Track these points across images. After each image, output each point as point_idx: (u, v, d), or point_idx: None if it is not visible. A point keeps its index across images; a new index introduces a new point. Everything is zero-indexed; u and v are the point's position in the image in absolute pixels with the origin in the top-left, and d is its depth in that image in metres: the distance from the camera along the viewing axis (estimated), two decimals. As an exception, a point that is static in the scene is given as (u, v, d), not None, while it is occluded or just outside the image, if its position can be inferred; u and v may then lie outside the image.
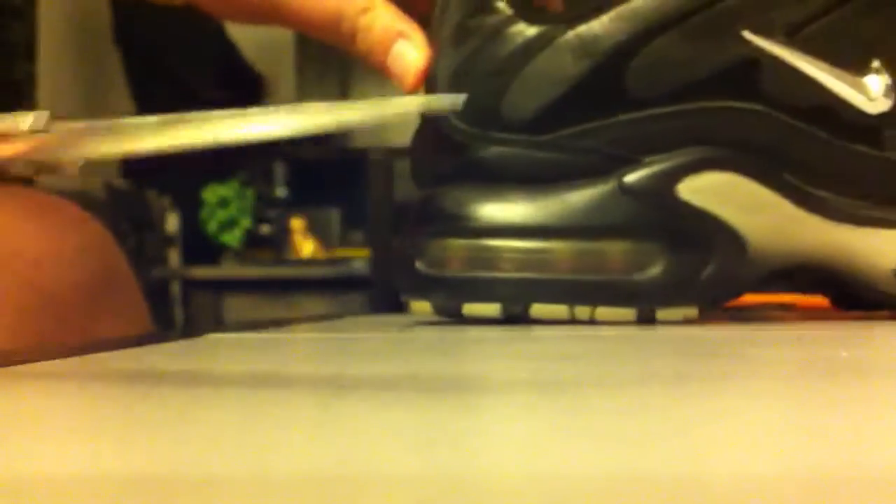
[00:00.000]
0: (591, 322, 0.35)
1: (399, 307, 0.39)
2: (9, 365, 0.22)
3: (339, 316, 0.52)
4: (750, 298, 0.54)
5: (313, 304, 2.04)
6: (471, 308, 0.36)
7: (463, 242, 0.36)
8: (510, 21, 0.35)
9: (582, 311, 0.35)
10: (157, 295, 1.97)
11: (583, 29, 0.35)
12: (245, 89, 2.28)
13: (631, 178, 0.35)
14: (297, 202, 2.26)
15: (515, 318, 0.35)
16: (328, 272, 2.08)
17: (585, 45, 0.35)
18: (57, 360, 0.24)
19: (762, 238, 0.36)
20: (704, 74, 0.35)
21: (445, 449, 0.12)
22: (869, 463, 0.11)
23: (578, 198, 0.36)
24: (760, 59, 0.35)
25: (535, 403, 0.16)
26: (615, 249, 0.35)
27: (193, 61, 2.18)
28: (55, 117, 0.22)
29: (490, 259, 0.35)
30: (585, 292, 0.35)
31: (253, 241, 2.22)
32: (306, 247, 2.20)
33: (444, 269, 0.36)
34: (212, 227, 2.18)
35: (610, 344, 0.29)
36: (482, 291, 0.36)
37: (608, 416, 0.15)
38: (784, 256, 0.37)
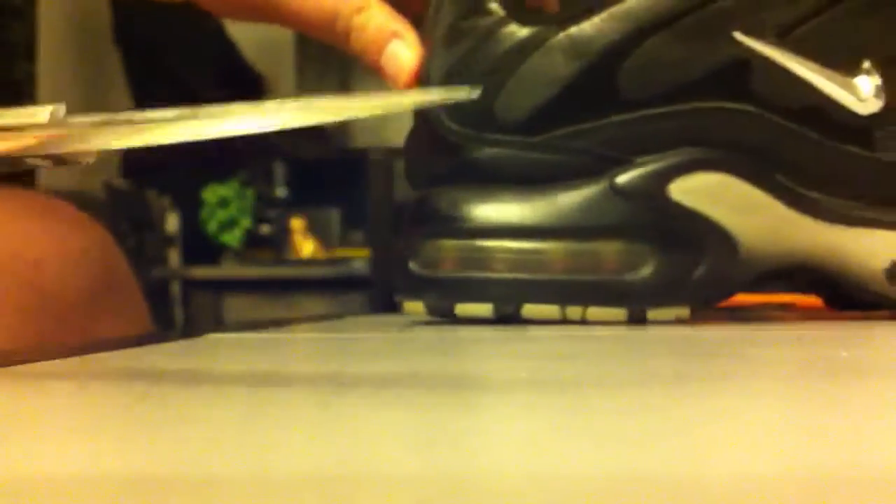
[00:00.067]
0: (583, 322, 0.36)
1: (399, 307, 0.39)
2: (9, 365, 0.22)
3: (339, 316, 0.52)
4: (750, 298, 0.54)
5: (313, 304, 2.04)
6: (463, 308, 0.36)
7: (456, 243, 0.36)
8: (503, 22, 0.35)
9: (573, 312, 0.35)
10: (157, 295, 1.97)
11: (575, 30, 0.35)
12: (245, 89, 2.28)
13: (623, 178, 0.35)
14: (297, 202, 2.26)
15: (507, 318, 0.36)
16: (328, 272, 2.08)
17: (578, 46, 0.35)
18: (57, 360, 0.24)
19: (754, 239, 0.36)
20: (696, 75, 0.35)
21: (445, 448, 0.12)
22: (869, 463, 0.11)
23: (570, 198, 0.36)
24: (752, 61, 0.35)
25: (535, 403, 0.16)
26: (607, 250, 0.36)
27: (193, 61, 2.18)
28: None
29: (482, 259, 0.36)
30: (577, 292, 0.35)
31: (253, 241, 2.22)
32: (306, 247, 2.20)
33: (437, 269, 0.36)
34: (212, 227, 2.18)
35: (609, 344, 0.30)
36: (474, 292, 0.36)
37: (608, 415, 0.15)
38: (776, 257, 0.37)
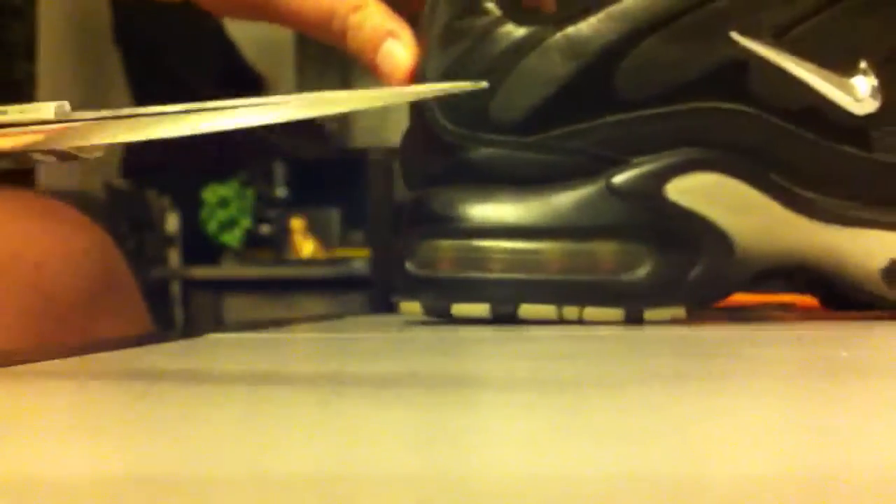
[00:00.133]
0: (580, 322, 0.36)
1: (396, 307, 0.39)
2: (9, 365, 0.22)
3: (339, 316, 0.52)
4: (750, 298, 0.54)
5: (313, 304, 2.04)
6: (460, 308, 0.36)
7: (452, 243, 0.36)
8: (499, 22, 0.35)
9: (570, 312, 0.35)
10: (157, 295, 1.97)
11: (572, 30, 0.35)
12: (245, 89, 2.28)
13: (619, 178, 0.35)
14: (297, 202, 2.26)
15: (504, 318, 0.36)
16: (328, 272, 2.07)
17: (574, 46, 0.35)
18: (57, 360, 0.24)
19: (750, 239, 0.36)
20: (693, 75, 0.35)
21: (445, 448, 0.12)
22: (869, 463, 0.11)
23: (567, 199, 0.36)
24: (748, 61, 0.35)
25: (535, 402, 0.16)
26: (603, 250, 0.36)
27: (193, 61, 2.18)
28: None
29: (479, 260, 0.36)
30: (574, 293, 0.36)
31: (253, 241, 2.22)
32: (306, 247, 2.20)
33: (434, 269, 0.36)
34: (212, 227, 2.18)
35: (609, 343, 0.30)
36: (471, 292, 0.36)
37: (608, 415, 0.15)
38: (772, 257, 0.37)
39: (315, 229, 2.22)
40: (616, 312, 0.36)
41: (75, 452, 0.12)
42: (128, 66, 2.24)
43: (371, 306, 1.83)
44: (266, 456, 0.12)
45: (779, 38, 0.35)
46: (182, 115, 0.20)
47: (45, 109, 0.21)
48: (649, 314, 0.36)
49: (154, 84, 2.18)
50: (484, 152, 0.36)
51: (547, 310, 0.36)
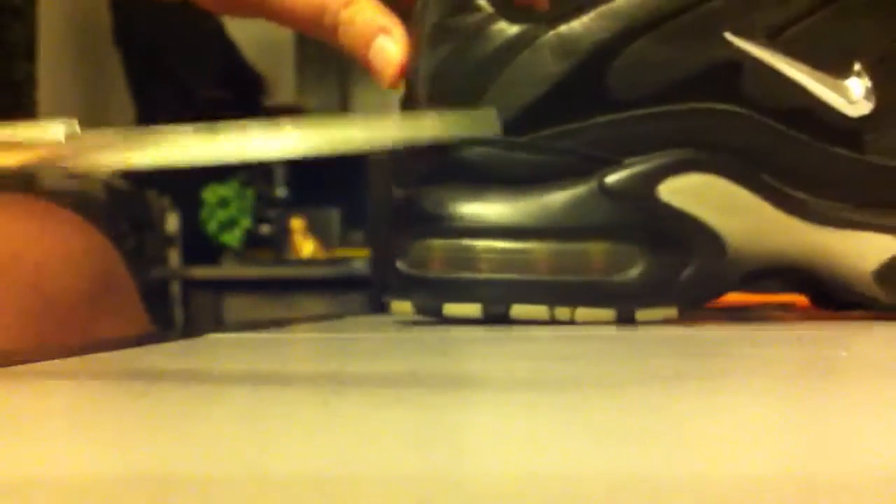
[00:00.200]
0: (571, 323, 0.36)
1: (387, 307, 0.39)
2: (9, 365, 0.22)
3: (339, 316, 0.52)
4: (750, 298, 0.54)
5: (313, 304, 2.04)
6: (451, 308, 0.36)
7: (444, 243, 0.36)
8: (491, 19, 0.35)
9: (562, 312, 0.35)
10: (157, 295, 1.97)
11: (565, 28, 0.35)
12: (245, 89, 2.28)
13: (611, 179, 0.35)
14: (297, 202, 2.26)
15: (496, 318, 0.36)
16: (328, 272, 2.08)
17: (567, 45, 0.35)
18: (57, 360, 0.24)
19: (741, 239, 0.37)
20: (686, 76, 0.35)
21: (445, 448, 0.12)
22: (868, 463, 0.11)
23: (559, 199, 0.36)
24: (742, 62, 0.35)
25: (535, 402, 0.16)
26: (595, 250, 0.36)
27: (193, 61, 2.18)
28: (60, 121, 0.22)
29: (471, 260, 0.36)
30: (565, 293, 0.35)
31: (253, 241, 2.22)
32: (306, 247, 2.20)
33: (425, 269, 0.36)
34: (212, 227, 2.18)
35: (608, 344, 0.30)
36: (463, 292, 0.36)
37: (608, 415, 0.15)
38: (763, 258, 0.37)
39: (315, 229, 2.22)
40: (608, 313, 0.36)
41: (75, 452, 0.12)
42: (128, 66, 2.24)
43: (371, 306, 1.83)
44: (266, 456, 0.12)
45: (773, 39, 0.35)
46: (194, 140, 0.20)
47: (55, 129, 0.20)
48: (641, 315, 0.36)
49: (154, 84, 2.19)
50: (475, 151, 0.36)
51: (538, 310, 0.36)
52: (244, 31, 2.18)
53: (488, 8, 0.35)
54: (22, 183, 0.47)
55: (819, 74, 0.36)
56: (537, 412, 0.15)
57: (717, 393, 0.18)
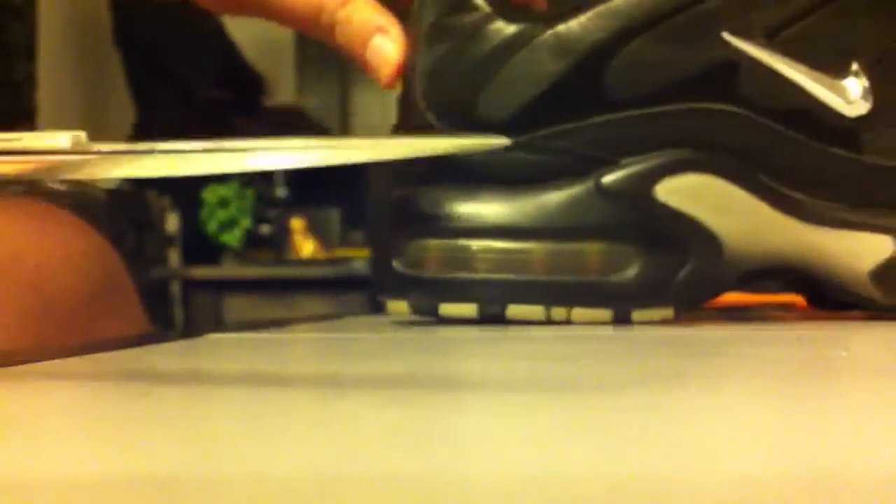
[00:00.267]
0: (568, 323, 0.36)
1: (383, 307, 0.39)
2: (9, 365, 0.22)
3: (339, 316, 0.52)
4: (750, 298, 0.54)
5: (313, 304, 2.04)
6: (447, 308, 0.36)
7: (440, 243, 0.36)
8: (489, 19, 0.35)
9: (558, 312, 0.35)
10: (157, 295, 1.97)
11: (562, 28, 0.35)
12: (245, 89, 2.28)
13: (608, 179, 0.35)
14: (297, 202, 2.26)
15: (492, 318, 0.36)
16: (328, 272, 2.07)
17: (564, 44, 0.35)
18: (57, 360, 0.24)
19: (738, 240, 0.36)
20: (683, 76, 0.35)
21: (444, 448, 0.12)
22: (868, 463, 0.11)
23: (555, 199, 0.36)
24: (739, 61, 0.35)
25: (535, 403, 0.16)
26: (592, 250, 0.36)
27: (193, 61, 2.18)
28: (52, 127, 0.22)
29: (467, 260, 0.36)
30: (562, 293, 0.35)
31: (253, 241, 2.22)
32: (306, 247, 2.20)
33: (421, 269, 0.36)
34: (212, 227, 2.18)
35: (608, 344, 0.30)
36: (459, 292, 0.36)
37: (608, 415, 0.15)
38: (760, 258, 0.37)
39: (315, 229, 2.22)
40: (604, 313, 0.36)
41: (75, 452, 0.12)
42: (128, 66, 2.24)
43: (371, 306, 1.83)
44: (266, 456, 0.12)
45: (770, 39, 0.35)
46: (200, 153, 0.20)
47: (62, 139, 0.20)
48: (637, 315, 0.36)
49: (154, 84, 2.18)
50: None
51: (535, 310, 0.36)
52: (244, 31, 2.18)
53: (486, 7, 0.35)
54: (24, 183, 0.47)
55: (817, 74, 0.36)
56: (537, 412, 0.15)
57: (717, 393, 0.18)
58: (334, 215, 2.27)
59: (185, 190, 2.14)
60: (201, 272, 2.13)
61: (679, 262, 0.36)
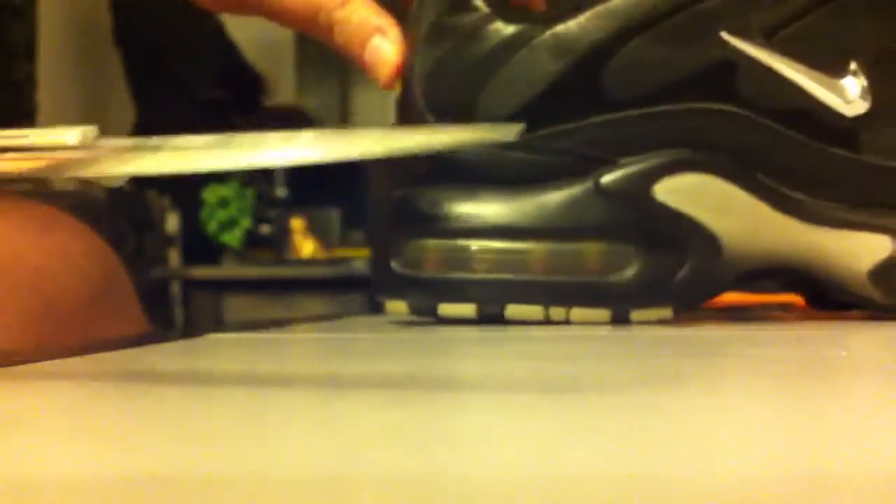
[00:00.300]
0: (567, 323, 0.36)
1: (382, 307, 0.39)
2: (9, 365, 0.22)
3: (339, 316, 0.52)
4: (750, 298, 0.54)
5: (313, 304, 2.04)
6: (446, 308, 0.36)
7: (438, 243, 0.36)
8: (488, 19, 0.35)
9: (557, 312, 0.35)
10: (157, 295, 1.97)
11: (561, 28, 0.35)
12: (245, 89, 2.28)
13: (607, 179, 0.35)
14: (297, 202, 2.26)
15: (491, 318, 0.36)
16: (328, 272, 2.07)
17: (563, 44, 0.35)
18: (57, 360, 0.24)
19: (737, 239, 0.37)
20: (682, 75, 0.35)
21: (445, 448, 0.12)
22: (868, 462, 0.11)
23: (554, 199, 0.36)
24: (738, 61, 0.35)
25: (535, 403, 0.16)
26: (590, 250, 0.36)
27: (193, 61, 2.18)
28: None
29: (465, 260, 0.36)
30: (560, 293, 0.35)
31: (253, 241, 2.22)
32: (306, 247, 2.20)
33: (420, 269, 0.36)
34: (212, 227, 2.18)
35: (608, 344, 0.30)
36: (458, 292, 0.36)
37: (608, 415, 0.15)
38: (759, 258, 0.37)
39: (315, 229, 2.22)
40: (603, 313, 0.36)
41: (75, 452, 0.12)
42: (128, 66, 2.24)
43: (371, 306, 1.83)
44: (266, 456, 0.12)
45: (769, 39, 0.35)
46: (209, 149, 0.20)
47: (70, 135, 0.20)
48: (636, 315, 0.36)
49: (154, 84, 2.19)
50: (471, 151, 0.36)
51: (534, 310, 0.36)
52: (244, 31, 2.18)
53: (485, 8, 0.35)
54: (30, 182, 0.47)
55: (815, 74, 0.36)
56: (537, 412, 0.15)
57: (717, 393, 0.18)
58: (334, 215, 2.27)
59: (185, 190, 2.14)
60: (201, 272, 2.13)
61: (678, 262, 0.36)
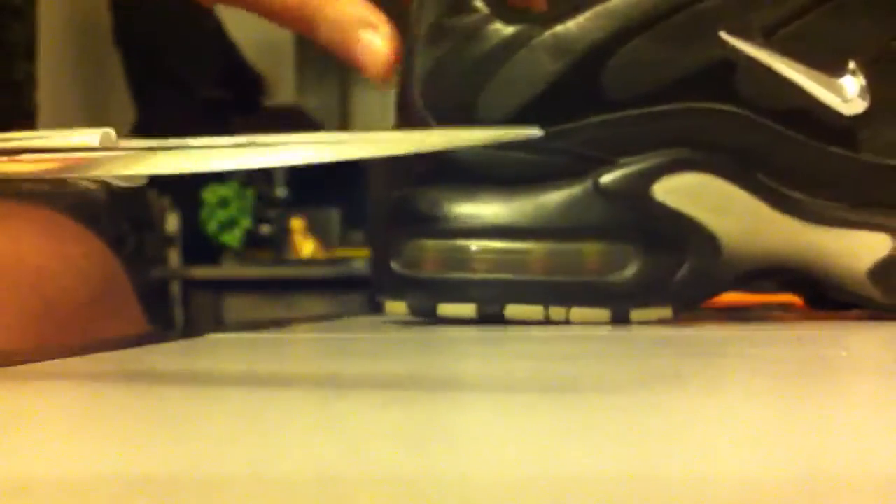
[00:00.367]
0: (566, 323, 0.36)
1: (381, 307, 0.39)
2: (9, 365, 0.22)
3: (339, 316, 0.52)
4: (750, 298, 0.54)
5: (313, 304, 2.04)
6: (445, 309, 0.36)
7: (438, 243, 0.36)
8: (487, 20, 0.35)
9: (557, 312, 0.35)
10: (157, 295, 1.97)
11: (560, 28, 0.35)
12: (245, 89, 2.28)
13: (607, 178, 0.35)
14: (297, 202, 2.26)
15: (490, 318, 0.36)
16: (328, 272, 2.08)
17: (562, 45, 0.35)
18: (57, 360, 0.24)
19: (737, 239, 0.37)
20: (681, 75, 0.35)
21: (444, 448, 0.12)
22: (869, 463, 0.11)
23: (554, 199, 0.36)
24: (737, 61, 0.35)
25: (535, 403, 0.16)
26: (590, 250, 0.36)
27: (193, 61, 2.18)
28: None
29: (465, 260, 0.36)
30: (560, 293, 0.36)
31: (253, 241, 2.22)
32: (306, 247, 2.20)
33: (420, 269, 0.36)
34: (212, 227, 2.18)
35: (608, 344, 0.30)
36: (457, 292, 0.36)
37: (608, 415, 0.15)
38: (758, 257, 0.37)
39: (315, 229, 2.22)
40: (602, 313, 0.36)
41: (75, 452, 0.12)
42: (128, 66, 2.24)
43: (371, 306, 1.83)
44: (266, 456, 0.12)
45: (768, 38, 0.35)
46: (230, 149, 0.20)
47: (90, 136, 0.20)
48: (636, 315, 0.36)
49: (154, 84, 2.19)
50: (471, 151, 0.36)
51: (533, 310, 0.36)
52: (244, 31, 2.18)
53: (484, 8, 0.35)
54: (48, 182, 0.47)
55: (814, 73, 0.36)
56: (537, 412, 0.15)
57: (717, 393, 0.18)
58: (334, 215, 2.27)
59: (185, 190, 2.14)
60: (201, 272, 2.13)
61: (677, 262, 0.36)
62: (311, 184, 2.24)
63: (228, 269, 2.18)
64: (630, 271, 0.36)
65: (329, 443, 0.13)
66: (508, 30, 0.35)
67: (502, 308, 0.36)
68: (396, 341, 0.32)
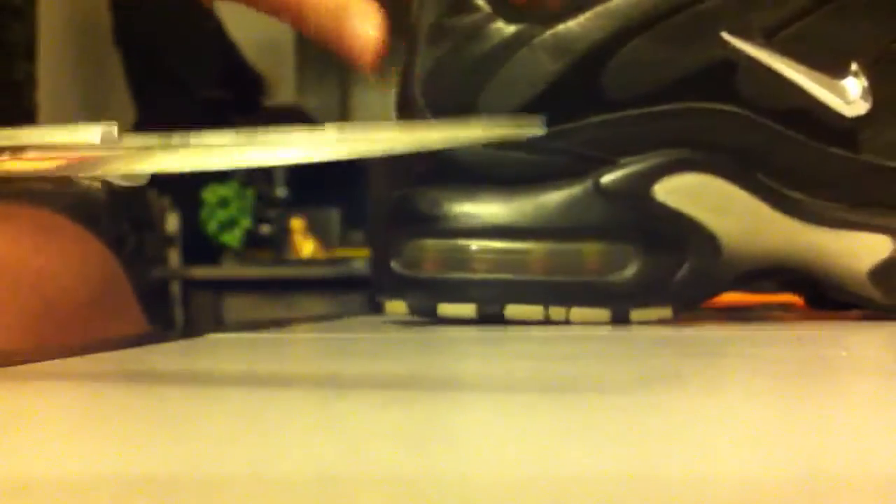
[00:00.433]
0: (566, 323, 0.36)
1: (381, 307, 0.39)
2: (9, 365, 0.22)
3: (339, 316, 0.52)
4: (750, 298, 0.54)
5: (313, 304, 2.04)
6: (445, 308, 0.36)
7: (438, 243, 0.36)
8: (488, 19, 0.35)
9: (557, 312, 0.35)
10: (157, 295, 1.97)
11: (561, 28, 0.35)
12: (245, 89, 2.28)
13: (607, 178, 0.35)
14: (297, 202, 2.26)
15: (491, 318, 0.36)
16: (328, 272, 2.08)
17: (562, 44, 0.35)
18: (57, 360, 0.24)
19: (737, 240, 0.37)
20: (682, 75, 0.35)
21: (444, 448, 0.12)
22: (869, 463, 0.11)
23: (554, 199, 0.36)
24: (738, 61, 0.35)
25: (535, 403, 0.16)
26: (590, 250, 0.36)
27: (193, 61, 2.18)
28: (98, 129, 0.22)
29: (465, 260, 0.36)
30: (560, 293, 0.36)
31: (253, 241, 2.22)
32: (306, 247, 2.20)
33: (420, 269, 0.36)
34: (212, 227, 2.19)
35: (609, 344, 0.30)
36: (457, 292, 0.36)
37: (608, 415, 0.15)
38: (759, 258, 0.37)
39: (315, 229, 2.22)
40: (603, 313, 0.36)
41: (75, 452, 0.12)
42: (128, 67, 2.24)
43: (371, 306, 1.83)
44: (266, 456, 0.12)
45: (769, 39, 0.35)
46: (233, 147, 0.20)
47: (92, 134, 0.20)
48: (636, 315, 0.36)
49: (154, 84, 2.19)
50: (471, 151, 0.36)
51: (533, 310, 0.36)
52: (244, 31, 2.18)
53: (485, 7, 0.35)
54: (50, 181, 0.47)
55: (816, 74, 0.36)
56: (537, 412, 0.15)
57: (717, 393, 0.18)
58: (334, 215, 2.27)
59: (185, 190, 2.14)
60: (201, 272, 2.13)
61: (677, 262, 0.36)
62: (311, 184, 2.24)
63: (228, 269, 2.18)
64: (630, 271, 0.36)
65: (329, 443, 0.13)
66: (509, 29, 0.35)
67: (502, 308, 0.36)
68: (396, 341, 0.32)
